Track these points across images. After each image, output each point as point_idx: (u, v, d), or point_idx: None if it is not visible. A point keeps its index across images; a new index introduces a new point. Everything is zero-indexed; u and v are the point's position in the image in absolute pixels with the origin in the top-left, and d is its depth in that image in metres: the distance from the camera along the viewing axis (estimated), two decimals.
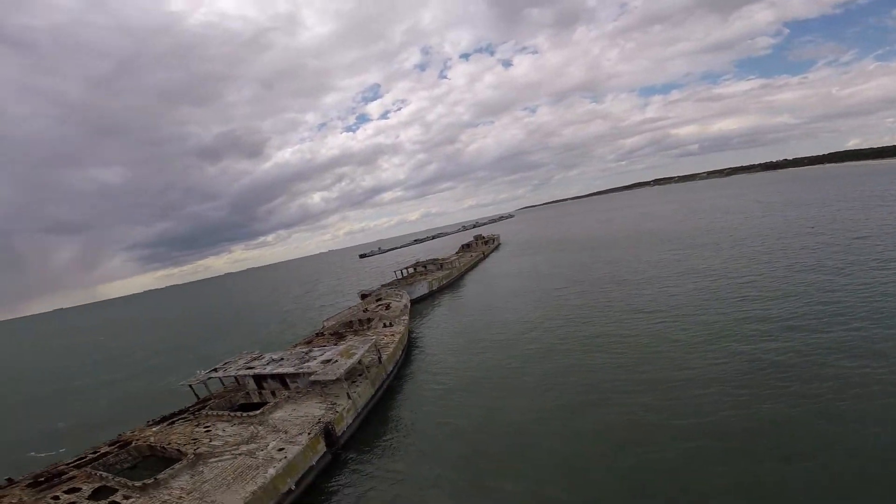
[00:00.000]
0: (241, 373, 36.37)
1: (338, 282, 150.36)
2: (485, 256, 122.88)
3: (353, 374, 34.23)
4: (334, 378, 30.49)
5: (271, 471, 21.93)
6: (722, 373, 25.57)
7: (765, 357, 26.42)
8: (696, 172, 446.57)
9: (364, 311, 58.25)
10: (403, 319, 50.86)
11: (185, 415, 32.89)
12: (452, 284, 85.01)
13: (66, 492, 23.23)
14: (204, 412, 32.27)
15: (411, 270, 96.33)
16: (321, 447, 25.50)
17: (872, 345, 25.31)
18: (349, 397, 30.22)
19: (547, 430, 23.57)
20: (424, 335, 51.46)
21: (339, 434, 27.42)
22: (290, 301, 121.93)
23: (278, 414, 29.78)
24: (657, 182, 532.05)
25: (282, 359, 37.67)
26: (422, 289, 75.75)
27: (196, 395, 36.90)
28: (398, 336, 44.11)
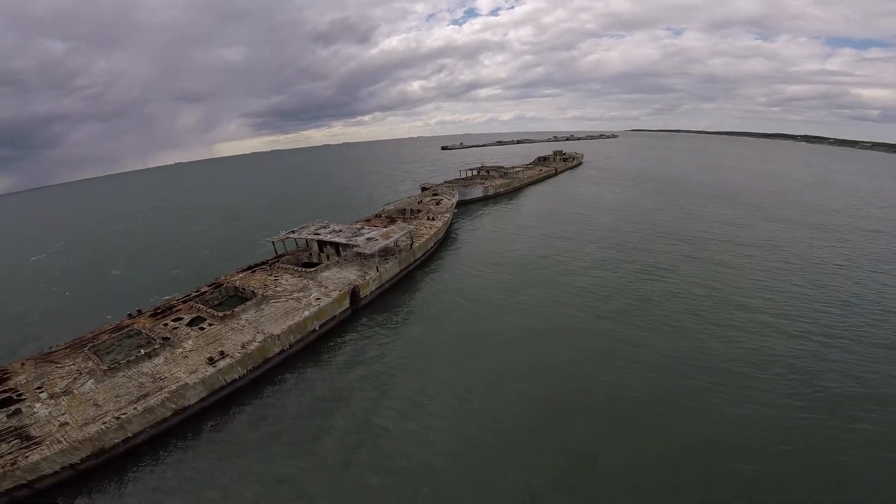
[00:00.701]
0: (309, 237, 45.35)
1: (415, 168, 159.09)
2: (557, 173, 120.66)
3: (386, 253, 42.35)
4: (369, 252, 38.70)
5: (306, 313, 30.63)
6: (644, 338, 28.39)
7: (702, 344, 28.21)
8: (860, 140, 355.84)
9: (419, 203, 65.16)
10: (446, 217, 57.06)
11: (264, 266, 42.13)
12: (509, 194, 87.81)
13: (174, 320, 31.07)
14: (277, 265, 41.56)
15: (474, 172, 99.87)
16: (346, 303, 34.15)
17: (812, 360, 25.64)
18: (377, 270, 38.43)
19: (510, 350, 28.35)
20: (461, 236, 57.53)
21: (363, 296, 36.01)
22: (370, 179, 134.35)
23: (326, 273, 38.86)
24: (806, 139, 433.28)
25: (340, 231, 46.25)
26: (476, 192, 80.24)
27: (275, 250, 46.68)
28: (434, 230, 50.78)
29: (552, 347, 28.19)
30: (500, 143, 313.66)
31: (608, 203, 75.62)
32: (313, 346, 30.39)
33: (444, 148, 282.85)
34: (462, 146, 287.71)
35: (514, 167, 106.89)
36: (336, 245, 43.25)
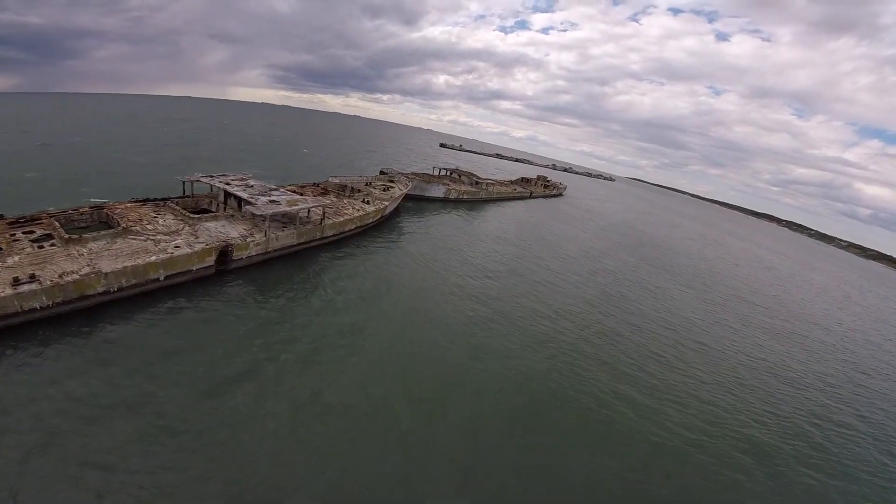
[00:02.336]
0: (219, 185, 41.30)
1: (402, 157, 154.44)
2: (531, 196, 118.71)
3: (288, 220, 38.66)
4: (260, 213, 34.76)
5: (151, 258, 26.90)
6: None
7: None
8: (838, 237, 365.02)
9: (366, 185, 61.16)
10: (384, 204, 53.56)
11: (158, 202, 38.32)
12: (472, 204, 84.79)
13: (24, 232, 27.80)
14: (168, 203, 37.69)
15: (446, 173, 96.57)
16: (210, 260, 30.29)
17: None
18: (265, 235, 34.59)
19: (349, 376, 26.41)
20: (398, 233, 53.01)
21: (236, 258, 32.20)
22: (354, 153, 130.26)
23: (210, 224, 34.96)
24: (790, 225, 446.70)
25: (252, 186, 42.29)
26: (437, 191, 77.13)
27: (184, 191, 42.87)
28: (360, 213, 47.25)
29: (394, 385, 23.78)
30: (499, 156, 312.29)
31: (566, 246, 68.58)
32: (153, 295, 26.54)
33: (442, 145, 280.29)
34: (461, 148, 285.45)
35: (487, 179, 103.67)
36: (239, 199, 39.35)
